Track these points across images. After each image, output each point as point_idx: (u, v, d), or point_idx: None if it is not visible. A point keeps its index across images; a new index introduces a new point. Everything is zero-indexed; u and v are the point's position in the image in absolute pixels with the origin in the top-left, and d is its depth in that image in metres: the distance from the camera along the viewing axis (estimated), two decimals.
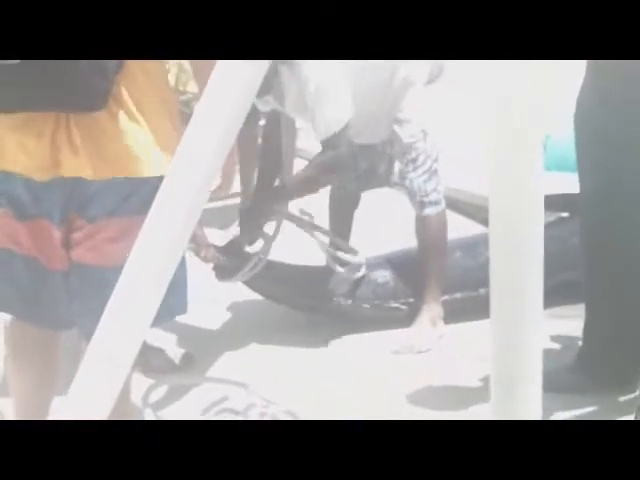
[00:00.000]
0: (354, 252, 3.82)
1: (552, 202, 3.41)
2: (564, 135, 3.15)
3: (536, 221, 0.85)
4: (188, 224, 0.97)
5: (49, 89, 1.91)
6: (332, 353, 3.58)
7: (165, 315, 0.93)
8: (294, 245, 3.79)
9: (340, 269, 3.72)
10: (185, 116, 3.47)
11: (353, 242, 3.96)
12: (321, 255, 3.88)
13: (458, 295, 3.77)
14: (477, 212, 4.46)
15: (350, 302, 3.76)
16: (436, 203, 3.68)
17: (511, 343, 0.88)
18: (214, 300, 3.95)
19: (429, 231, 3.69)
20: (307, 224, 3.80)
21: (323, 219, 3.98)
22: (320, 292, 3.75)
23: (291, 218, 3.77)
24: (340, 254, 3.75)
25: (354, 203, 4.00)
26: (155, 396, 3.19)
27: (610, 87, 2.91)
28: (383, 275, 3.83)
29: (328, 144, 3.43)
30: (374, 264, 3.86)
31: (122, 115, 1.98)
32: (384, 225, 4.56)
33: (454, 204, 4.48)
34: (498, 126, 0.84)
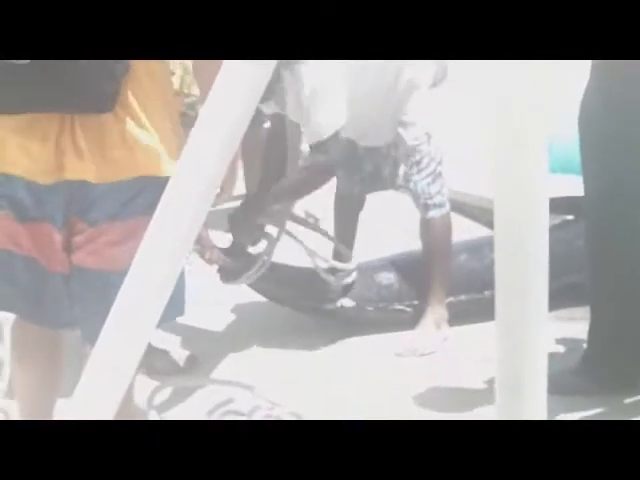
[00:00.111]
0: (350, 259, 3.82)
1: (557, 205, 3.40)
2: (569, 137, 3.14)
3: (541, 224, 0.85)
4: (193, 226, 0.97)
5: (58, 90, 1.91)
6: (336, 355, 3.58)
7: (163, 318, 0.93)
8: (298, 247, 3.78)
9: (328, 276, 3.71)
10: (190, 119, 3.47)
11: (358, 244, 3.96)
12: (325, 257, 3.89)
13: (463, 297, 3.76)
14: (482, 214, 4.46)
15: (354, 304, 3.76)
16: (440, 206, 3.68)
17: (516, 345, 0.88)
18: (218, 302, 3.95)
19: (433, 234, 3.69)
20: (311, 226, 3.81)
21: (328, 220, 3.98)
22: (324, 294, 3.75)
23: (295, 219, 3.77)
24: (323, 263, 3.74)
25: (359, 205, 4.00)
26: (160, 398, 3.19)
27: (614, 89, 2.91)
28: (387, 277, 3.83)
29: (318, 148, 3.44)
30: (378, 266, 3.86)
31: (127, 118, 1.98)
32: (389, 227, 4.56)
33: (459, 207, 4.48)
34: (502, 128, 0.84)
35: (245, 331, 3.77)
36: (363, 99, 3.47)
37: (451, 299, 3.73)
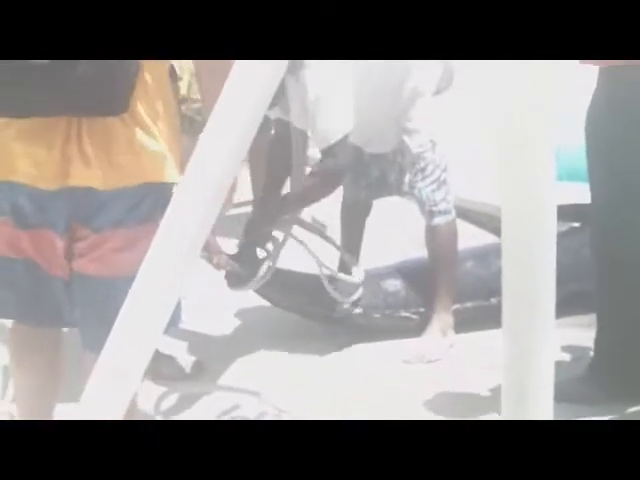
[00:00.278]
0: (357, 265, 3.82)
1: (564, 212, 3.40)
2: (575, 145, 3.14)
3: (549, 231, 0.85)
4: (201, 232, 0.97)
5: (71, 92, 1.89)
6: (343, 361, 3.58)
7: None
8: (304, 253, 3.79)
9: (335, 294, 3.71)
10: (197, 124, 3.48)
11: (364, 251, 3.96)
12: (331, 263, 3.89)
13: (469, 304, 3.76)
14: (488, 221, 4.46)
15: (361, 311, 3.76)
16: (445, 212, 3.68)
17: (523, 352, 0.88)
18: (225, 308, 3.96)
19: (439, 241, 3.69)
20: (318, 232, 3.81)
21: (335, 227, 3.98)
22: (330, 301, 3.75)
23: (302, 224, 3.77)
24: (335, 275, 3.74)
25: (366, 211, 4.01)
26: (166, 404, 3.19)
27: (621, 97, 2.90)
28: (394, 284, 3.83)
29: (327, 153, 3.45)
30: (385, 273, 3.86)
31: (134, 123, 1.98)
32: (395, 234, 4.56)
33: (465, 213, 4.48)
34: (509, 135, 0.84)
35: (251, 337, 3.77)
36: (368, 105, 3.47)
37: (457, 306, 3.73)
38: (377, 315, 3.77)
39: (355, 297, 3.74)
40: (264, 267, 3.52)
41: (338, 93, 3.39)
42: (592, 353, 3.18)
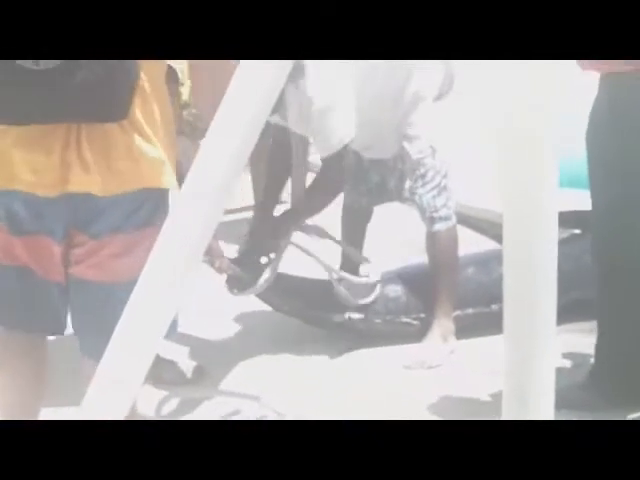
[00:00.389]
0: (366, 261, 3.83)
1: (565, 219, 3.40)
2: (576, 152, 3.14)
3: (550, 237, 0.85)
4: (203, 237, 0.97)
5: (71, 98, 1.89)
6: (343, 367, 3.58)
7: None
8: (306, 258, 3.79)
9: (349, 297, 3.71)
10: (199, 130, 3.48)
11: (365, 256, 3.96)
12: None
13: (470, 310, 3.76)
14: (489, 228, 4.46)
15: (362, 316, 3.76)
16: (446, 219, 3.68)
17: (524, 359, 0.88)
18: (226, 313, 3.96)
19: (439, 247, 3.70)
20: (319, 233, 3.82)
21: (336, 232, 3.98)
22: (331, 306, 3.75)
23: (304, 229, 3.78)
24: (347, 278, 3.75)
25: (367, 217, 4.01)
26: (167, 409, 3.19)
27: (622, 104, 2.91)
28: (395, 290, 3.83)
29: (329, 161, 3.45)
30: (386, 279, 3.86)
31: (132, 130, 1.98)
32: (396, 239, 4.56)
33: (466, 220, 4.48)
34: (511, 141, 0.84)
35: (252, 342, 3.77)
36: (368, 111, 3.48)
37: (458, 312, 3.73)
38: (378, 320, 3.77)
39: (372, 298, 3.74)
40: (266, 272, 3.52)
41: (340, 101, 3.40)
42: (593, 360, 3.18)
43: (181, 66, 3.20)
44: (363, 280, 3.76)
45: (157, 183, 2.01)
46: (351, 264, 3.96)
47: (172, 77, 2.92)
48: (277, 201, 3.92)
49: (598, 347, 3.13)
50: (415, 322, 3.78)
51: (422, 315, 3.76)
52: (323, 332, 3.79)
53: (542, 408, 0.89)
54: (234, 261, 3.48)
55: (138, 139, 1.98)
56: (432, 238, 3.71)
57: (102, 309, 1.99)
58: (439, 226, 3.67)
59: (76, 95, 1.87)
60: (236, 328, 3.91)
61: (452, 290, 3.71)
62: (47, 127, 1.95)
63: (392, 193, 3.80)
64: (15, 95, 1.91)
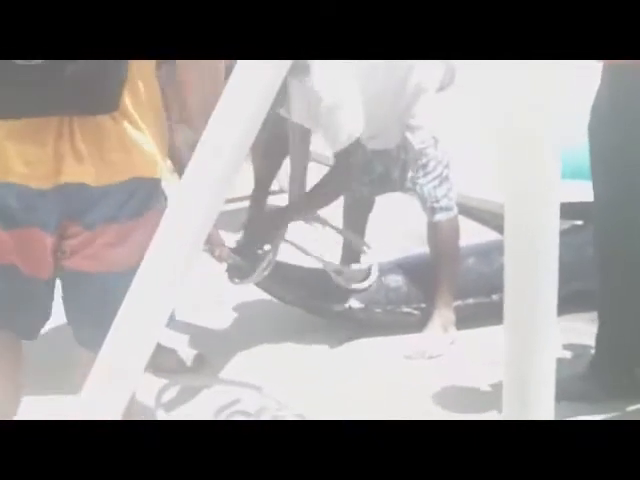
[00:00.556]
0: (367, 247, 3.85)
1: (566, 210, 3.40)
2: (578, 143, 3.14)
3: (551, 228, 0.85)
4: (204, 226, 0.97)
5: (62, 91, 1.89)
6: (344, 356, 3.58)
7: None
8: (306, 246, 3.79)
9: (347, 283, 3.73)
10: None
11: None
12: (334, 255, 3.90)
13: (471, 301, 3.76)
14: (491, 218, 4.46)
15: (362, 306, 3.76)
16: (447, 209, 3.68)
17: (524, 349, 0.88)
18: (226, 301, 3.96)
19: (440, 237, 3.70)
20: (321, 221, 3.83)
21: (337, 222, 3.98)
22: (332, 295, 3.76)
23: (305, 217, 3.79)
24: (346, 270, 3.76)
25: (368, 207, 4.01)
26: (167, 396, 3.20)
27: (625, 95, 2.90)
28: (395, 280, 3.83)
29: (341, 156, 3.46)
30: (387, 269, 3.86)
31: (124, 120, 1.97)
32: (398, 229, 4.56)
33: (468, 210, 4.48)
34: (513, 133, 0.84)
35: (253, 331, 3.78)
36: (371, 101, 3.48)
37: (459, 302, 3.73)
38: (378, 310, 3.77)
39: (367, 283, 3.75)
40: (265, 260, 3.53)
41: (347, 97, 3.41)
42: (593, 351, 3.18)
43: None
44: (357, 266, 3.77)
45: (149, 173, 2.01)
46: (352, 253, 3.96)
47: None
48: (268, 191, 3.93)
49: (599, 338, 3.13)
50: (416, 312, 3.78)
51: (423, 305, 3.76)
52: (323, 321, 3.79)
53: (542, 399, 0.89)
54: (234, 250, 3.48)
55: (130, 130, 1.97)
56: (433, 228, 3.71)
57: (98, 299, 1.98)
58: (440, 216, 3.67)
59: (66, 88, 1.87)
60: (236, 317, 3.92)
61: (453, 280, 3.71)
62: (40, 119, 1.93)
63: (394, 183, 3.81)
64: (5, 90, 1.90)
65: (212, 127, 0.94)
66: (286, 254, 3.68)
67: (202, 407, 3.16)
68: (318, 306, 3.78)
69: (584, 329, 3.38)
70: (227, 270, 3.53)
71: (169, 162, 3.47)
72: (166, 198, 2.12)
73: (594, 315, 3.17)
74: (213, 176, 0.94)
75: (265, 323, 3.84)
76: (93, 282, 2.02)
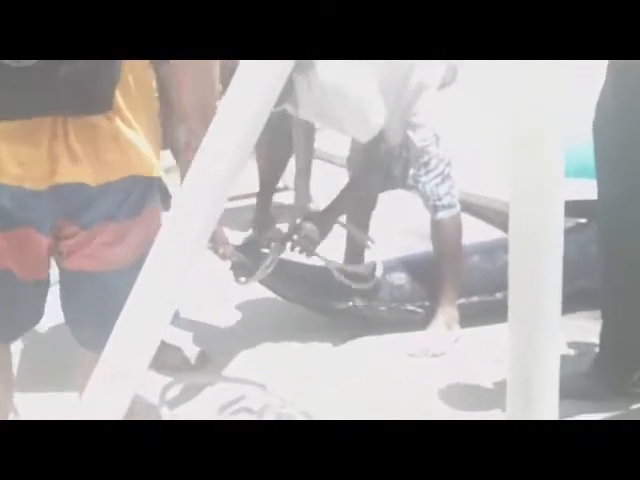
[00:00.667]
0: (371, 241, 3.85)
1: (570, 208, 3.40)
2: (582, 141, 3.14)
3: (556, 226, 0.85)
4: (208, 223, 0.97)
5: (56, 91, 1.88)
6: (348, 354, 3.58)
7: None
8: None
9: (351, 283, 3.74)
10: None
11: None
12: (337, 254, 3.90)
13: (475, 299, 3.76)
14: (495, 217, 4.46)
15: (366, 304, 3.76)
16: (450, 207, 3.68)
17: (528, 347, 0.88)
18: (230, 299, 3.97)
19: (443, 235, 3.70)
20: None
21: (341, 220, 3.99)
22: (335, 293, 3.76)
23: (308, 215, 3.79)
24: (350, 269, 3.77)
25: (371, 205, 4.01)
26: (171, 394, 3.20)
27: (629, 93, 2.90)
28: (399, 277, 3.83)
29: (372, 145, 3.48)
30: (391, 266, 3.86)
31: (118, 120, 1.97)
32: (401, 227, 4.56)
33: (472, 208, 4.48)
34: (518, 130, 0.84)
35: (257, 329, 3.78)
36: None
37: (463, 300, 3.73)
38: (382, 308, 3.77)
39: (371, 283, 3.75)
40: (269, 258, 3.53)
41: (369, 89, 3.42)
42: (597, 349, 3.18)
43: None
44: (361, 267, 3.77)
45: (145, 171, 2.01)
46: (356, 249, 3.97)
47: None
48: (274, 189, 3.94)
49: (602, 336, 3.13)
50: (419, 310, 3.78)
51: (426, 303, 3.76)
52: (327, 319, 3.79)
53: (546, 397, 0.89)
54: (238, 248, 3.49)
55: (124, 128, 1.97)
56: (436, 226, 3.71)
57: (98, 298, 1.98)
58: (442, 214, 3.67)
59: (60, 89, 1.86)
60: (240, 314, 3.92)
61: (456, 278, 3.71)
62: (33, 120, 1.93)
63: (397, 181, 3.81)
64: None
65: (215, 127, 0.94)
66: (289, 252, 3.68)
67: (206, 405, 3.16)
68: (321, 304, 3.78)
69: (588, 327, 3.38)
70: (231, 268, 3.53)
71: (174, 161, 3.47)
72: (170, 197, 2.12)
73: (598, 313, 3.17)
74: (216, 175, 0.94)
75: (269, 321, 3.84)
76: (92, 281, 2.02)
